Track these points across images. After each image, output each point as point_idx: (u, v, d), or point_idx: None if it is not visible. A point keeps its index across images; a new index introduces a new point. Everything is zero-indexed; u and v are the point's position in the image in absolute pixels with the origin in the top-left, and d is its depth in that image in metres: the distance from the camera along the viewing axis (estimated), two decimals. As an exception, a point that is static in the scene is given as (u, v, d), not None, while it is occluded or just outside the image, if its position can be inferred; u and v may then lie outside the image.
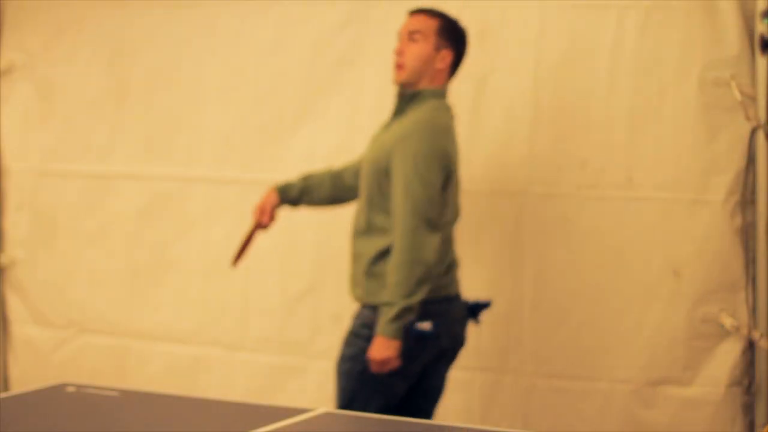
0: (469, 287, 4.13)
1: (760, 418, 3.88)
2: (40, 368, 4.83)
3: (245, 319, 4.52)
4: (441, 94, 3.61)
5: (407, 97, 3.57)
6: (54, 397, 3.19)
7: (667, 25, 3.91)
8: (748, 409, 3.93)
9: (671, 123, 3.95)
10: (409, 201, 3.41)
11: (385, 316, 3.40)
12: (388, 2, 4.29)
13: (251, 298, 4.50)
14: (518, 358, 4.11)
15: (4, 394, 3.54)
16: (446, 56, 3.58)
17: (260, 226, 3.80)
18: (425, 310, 3.43)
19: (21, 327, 4.94)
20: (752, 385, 3.93)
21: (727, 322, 3.88)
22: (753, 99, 3.82)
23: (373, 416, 3.14)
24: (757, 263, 3.86)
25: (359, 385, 3.50)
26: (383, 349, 3.39)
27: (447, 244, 3.58)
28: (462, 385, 4.17)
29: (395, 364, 3.41)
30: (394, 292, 3.39)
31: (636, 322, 3.99)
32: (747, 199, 3.88)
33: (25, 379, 4.84)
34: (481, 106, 4.15)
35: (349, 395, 3.50)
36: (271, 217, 3.78)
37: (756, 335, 3.85)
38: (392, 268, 3.41)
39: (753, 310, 3.87)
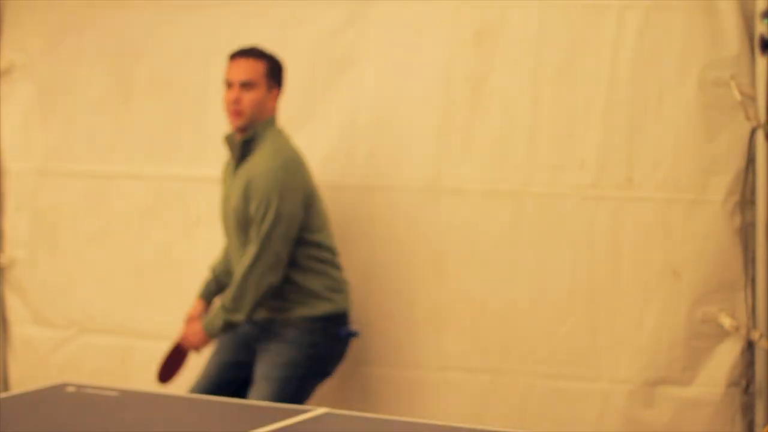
0: (469, 287, 4.15)
1: (760, 418, 3.88)
2: (40, 368, 4.83)
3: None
4: (272, 121, 3.96)
5: (248, 142, 3.89)
6: (54, 397, 3.19)
7: (667, 25, 3.91)
8: (748, 409, 3.94)
9: (671, 123, 3.95)
10: (262, 231, 3.84)
11: (216, 318, 3.93)
12: (388, 2, 4.29)
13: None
14: (517, 359, 4.11)
15: (4, 394, 3.54)
16: (276, 94, 3.97)
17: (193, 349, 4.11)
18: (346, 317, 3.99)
19: (21, 327, 4.94)
20: (751, 385, 3.93)
21: (727, 322, 3.88)
22: (753, 99, 3.82)
23: (373, 416, 3.15)
24: (757, 263, 3.86)
25: (296, 389, 3.91)
26: (198, 339, 4.02)
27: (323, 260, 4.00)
28: (459, 386, 4.18)
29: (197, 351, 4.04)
30: (229, 304, 3.91)
31: (636, 322, 3.99)
32: (747, 199, 3.88)
33: (25, 379, 4.83)
34: (480, 106, 4.15)
35: (284, 398, 3.79)
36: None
37: (755, 335, 3.85)
38: (236, 281, 3.90)
39: (752, 310, 3.87)
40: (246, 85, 3.88)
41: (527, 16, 4.08)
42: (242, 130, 3.90)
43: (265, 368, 3.90)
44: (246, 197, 3.84)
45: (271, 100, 3.93)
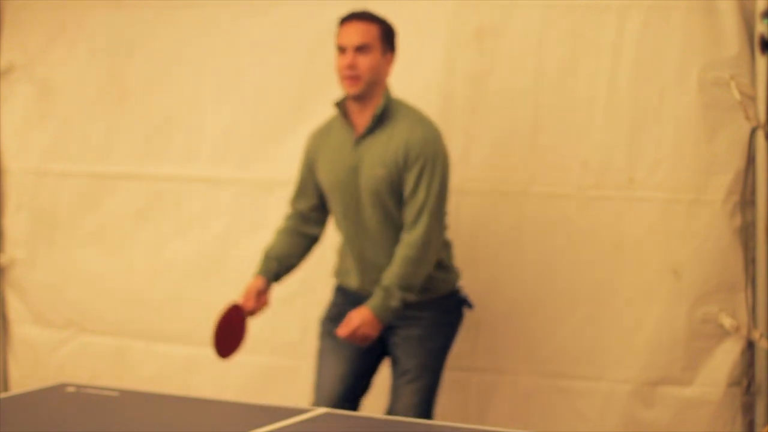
0: (469, 287, 4.13)
1: (760, 418, 3.88)
2: (39, 368, 4.83)
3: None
4: (390, 95, 3.69)
5: (383, 111, 3.65)
6: (54, 397, 3.19)
7: (667, 25, 3.91)
8: (748, 409, 3.94)
9: (671, 123, 3.95)
10: (431, 203, 3.57)
11: (387, 301, 3.56)
12: (385, 2, 4.29)
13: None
14: (517, 358, 4.11)
15: (4, 394, 3.54)
16: (390, 59, 3.69)
17: (249, 312, 3.79)
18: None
19: (21, 327, 4.94)
20: (752, 385, 3.93)
21: (727, 322, 3.88)
22: (753, 99, 3.82)
23: (373, 416, 3.14)
24: (757, 263, 3.86)
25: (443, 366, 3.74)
26: (371, 328, 3.58)
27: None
28: (460, 386, 4.18)
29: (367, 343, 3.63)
30: (400, 281, 3.56)
31: (636, 322, 3.99)
32: (746, 199, 3.88)
33: (24, 379, 4.83)
34: (482, 106, 4.15)
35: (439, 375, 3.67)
36: (259, 302, 3.80)
37: (755, 335, 3.85)
38: (407, 263, 3.57)
39: (752, 310, 3.87)
40: (361, 49, 3.60)
41: (528, 16, 4.08)
42: (358, 97, 3.63)
43: (420, 358, 3.65)
44: (397, 166, 3.59)
45: (386, 65, 3.66)
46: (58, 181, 4.83)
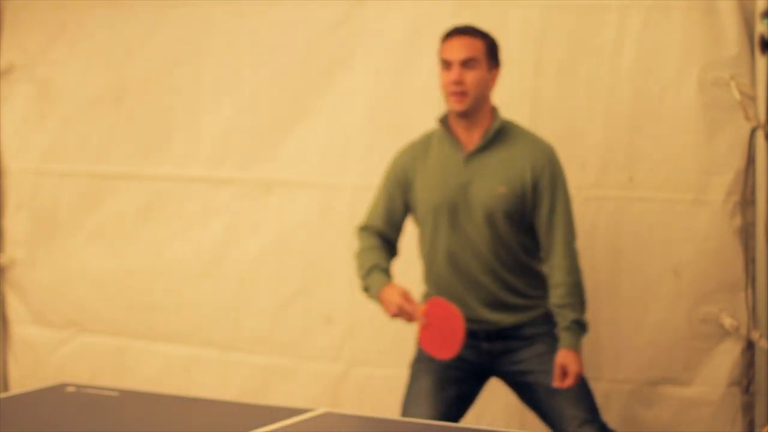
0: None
1: (760, 418, 3.88)
2: (39, 368, 4.83)
3: (238, 320, 4.52)
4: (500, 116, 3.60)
5: (495, 132, 3.55)
6: (54, 397, 3.19)
7: (667, 25, 3.91)
8: (748, 409, 3.94)
9: (671, 123, 3.95)
10: (570, 221, 3.55)
11: (579, 334, 3.51)
12: (382, 3, 4.29)
13: (244, 299, 4.50)
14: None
15: (4, 394, 3.54)
16: (495, 75, 3.59)
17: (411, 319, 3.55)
18: None
19: (20, 327, 4.94)
20: (751, 385, 3.93)
21: (727, 322, 3.88)
22: (753, 99, 3.82)
23: (373, 416, 3.14)
24: (757, 263, 3.86)
25: None
26: (581, 364, 3.51)
27: None
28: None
29: None
30: (579, 309, 3.52)
31: (636, 322, 3.99)
32: (747, 200, 3.88)
33: (24, 379, 4.83)
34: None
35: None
36: (413, 310, 3.50)
37: (755, 335, 3.85)
38: (573, 286, 3.52)
39: (752, 310, 3.87)
40: (467, 64, 3.50)
41: (528, 16, 4.08)
42: (464, 113, 3.53)
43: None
44: (522, 185, 3.50)
45: (491, 81, 3.56)
46: (58, 181, 4.83)
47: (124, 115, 4.70)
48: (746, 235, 3.88)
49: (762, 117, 3.81)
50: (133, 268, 4.69)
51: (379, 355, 4.31)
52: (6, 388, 4.92)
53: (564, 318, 3.50)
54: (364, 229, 3.70)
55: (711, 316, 3.90)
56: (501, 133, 3.55)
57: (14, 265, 4.92)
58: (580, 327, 3.51)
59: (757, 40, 3.82)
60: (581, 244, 4.01)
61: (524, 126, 3.63)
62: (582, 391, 3.52)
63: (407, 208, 3.65)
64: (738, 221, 3.90)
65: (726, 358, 3.91)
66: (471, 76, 3.49)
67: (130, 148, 4.70)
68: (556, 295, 3.51)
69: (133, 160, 4.69)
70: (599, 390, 3.95)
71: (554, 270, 3.52)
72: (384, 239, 3.66)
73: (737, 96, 3.81)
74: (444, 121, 3.60)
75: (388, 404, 4.20)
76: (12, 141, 4.91)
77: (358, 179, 4.30)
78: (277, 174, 4.44)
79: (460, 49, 3.51)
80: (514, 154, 3.53)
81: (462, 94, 3.50)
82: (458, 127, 3.57)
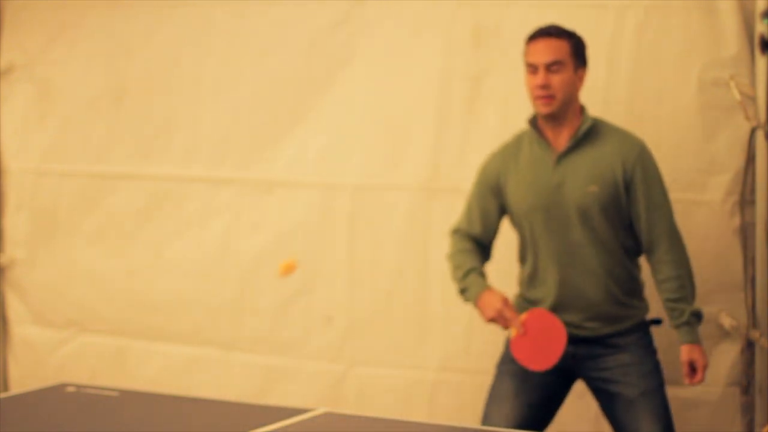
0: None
1: (759, 417, 3.88)
2: (39, 368, 4.83)
3: (238, 320, 4.52)
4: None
5: (584, 133, 3.52)
6: (54, 397, 3.19)
7: (667, 25, 3.91)
8: (747, 409, 3.94)
9: (671, 123, 3.95)
10: (670, 213, 3.52)
11: (697, 326, 3.50)
12: (383, 2, 4.29)
13: (244, 299, 4.50)
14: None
15: (4, 394, 3.54)
16: (582, 75, 3.56)
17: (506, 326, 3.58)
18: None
19: (20, 327, 4.94)
20: (751, 384, 3.93)
21: (726, 322, 3.88)
22: (752, 99, 3.82)
23: (373, 416, 3.15)
24: (757, 263, 3.86)
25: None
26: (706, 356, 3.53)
27: None
28: (454, 388, 4.18)
29: None
30: (693, 301, 3.50)
31: (635, 322, 3.99)
32: (746, 199, 3.88)
33: (24, 379, 4.83)
34: (479, 105, 4.15)
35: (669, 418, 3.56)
36: (511, 317, 3.52)
37: (755, 335, 3.85)
38: (684, 278, 3.49)
39: (752, 310, 3.87)
40: (553, 67, 3.47)
41: (526, 16, 4.08)
42: (552, 116, 3.50)
43: (641, 386, 3.51)
44: (615, 182, 3.46)
45: (578, 81, 3.53)
46: (58, 181, 4.83)
47: (124, 115, 4.70)
48: (745, 235, 3.88)
49: (762, 117, 3.81)
50: (133, 268, 4.69)
51: (379, 355, 4.31)
52: (6, 388, 4.92)
53: (681, 313, 3.47)
54: (457, 232, 3.69)
55: (710, 315, 3.89)
56: (590, 132, 3.52)
57: (14, 265, 4.92)
58: (698, 319, 3.49)
59: (757, 40, 3.82)
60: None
61: (612, 123, 3.60)
62: (661, 408, 3.52)
63: (502, 211, 3.64)
64: (737, 221, 3.90)
65: (725, 358, 3.92)
66: (557, 80, 3.46)
67: (130, 148, 4.70)
68: (668, 290, 3.48)
69: (133, 160, 4.69)
70: (599, 390, 3.95)
71: (661, 265, 3.49)
72: (478, 243, 3.66)
73: (737, 96, 3.81)
74: (533, 122, 3.57)
75: (388, 404, 4.21)
76: (12, 141, 4.91)
77: (358, 179, 4.31)
78: (277, 174, 4.44)
79: (545, 52, 3.48)
80: (603, 152, 3.49)
81: (549, 98, 3.47)
82: (547, 129, 3.54)
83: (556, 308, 3.52)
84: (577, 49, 3.52)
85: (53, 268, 4.84)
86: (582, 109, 3.56)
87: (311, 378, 4.40)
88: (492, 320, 3.50)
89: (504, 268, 3.76)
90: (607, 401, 3.57)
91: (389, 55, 4.30)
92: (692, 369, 3.51)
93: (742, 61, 3.84)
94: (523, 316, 3.49)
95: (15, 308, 4.93)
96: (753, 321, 3.87)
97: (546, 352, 3.46)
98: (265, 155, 4.46)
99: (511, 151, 3.62)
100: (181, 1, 4.59)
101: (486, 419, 3.58)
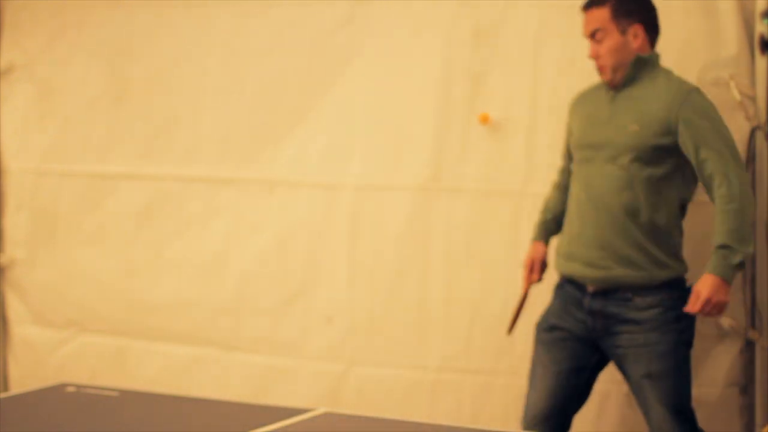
0: (467, 287, 4.14)
1: (759, 418, 3.88)
2: (39, 368, 4.83)
3: (239, 320, 4.53)
4: (652, 60, 3.60)
5: (637, 66, 3.56)
6: (54, 397, 3.19)
7: (667, 25, 3.90)
8: (746, 409, 3.94)
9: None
10: (726, 151, 3.44)
11: (728, 259, 3.39)
12: (385, 2, 4.29)
13: (244, 299, 4.50)
14: (516, 359, 4.11)
15: (4, 394, 3.54)
16: (637, 31, 3.57)
17: (532, 282, 3.80)
18: None
19: (20, 327, 4.94)
20: (750, 385, 3.93)
21: (726, 322, 3.88)
22: (753, 99, 3.82)
23: (373, 416, 3.14)
24: (757, 263, 3.85)
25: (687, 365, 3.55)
26: (723, 293, 3.40)
27: None
28: (453, 387, 4.18)
29: (723, 311, 3.46)
30: (735, 237, 3.39)
31: (635, 322, 3.99)
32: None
33: (24, 379, 4.84)
34: (479, 105, 4.15)
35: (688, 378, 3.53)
36: (541, 271, 3.80)
37: (754, 335, 3.85)
38: (731, 213, 3.40)
39: (751, 310, 3.87)
40: (596, 36, 3.55)
41: (526, 16, 4.08)
42: (612, 83, 3.58)
43: (652, 366, 3.49)
44: (659, 122, 3.46)
45: (632, 41, 3.55)
46: (58, 181, 4.83)
47: (125, 115, 4.71)
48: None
49: (762, 117, 3.81)
50: (134, 268, 4.70)
51: (379, 355, 4.31)
52: (6, 388, 4.92)
53: (715, 241, 3.41)
54: (560, 164, 3.83)
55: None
56: (642, 73, 3.55)
57: (14, 265, 4.92)
58: (731, 252, 3.37)
59: (757, 40, 3.82)
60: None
61: (670, 70, 3.61)
62: (672, 390, 3.49)
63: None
64: (738, 221, 3.89)
65: (724, 358, 3.91)
66: (603, 48, 3.55)
67: (130, 148, 4.70)
68: (716, 224, 3.42)
69: (134, 160, 4.69)
70: (598, 390, 3.95)
71: (715, 202, 3.44)
72: (564, 189, 3.77)
73: (737, 96, 3.81)
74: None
75: (389, 404, 4.21)
76: (12, 141, 4.91)
77: (359, 179, 4.31)
78: (279, 174, 4.44)
79: (585, 24, 3.60)
80: (652, 93, 3.52)
81: (601, 67, 3.58)
82: None
83: (572, 242, 3.58)
84: (617, 11, 3.54)
85: (53, 268, 4.84)
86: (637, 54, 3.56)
87: (311, 378, 4.40)
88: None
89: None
90: (624, 377, 3.60)
91: (390, 55, 4.30)
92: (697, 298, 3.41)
93: (742, 61, 3.84)
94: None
95: (15, 308, 4.94)
96: (752, 321, 3.87)
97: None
98: (266, 155, 4.46)
99: (589, 91, 3.72)
100: (182, 1, 4.59)
101: (528, 387, 3.68)
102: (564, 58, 4.05)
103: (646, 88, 3.54)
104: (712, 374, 3.91)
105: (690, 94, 3.50)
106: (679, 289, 3.53)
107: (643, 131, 3.49)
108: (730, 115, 3.84)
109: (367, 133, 4.33)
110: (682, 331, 3.52)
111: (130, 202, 4.70)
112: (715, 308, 3.40)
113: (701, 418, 3.93)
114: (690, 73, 3.89)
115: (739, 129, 3.85)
